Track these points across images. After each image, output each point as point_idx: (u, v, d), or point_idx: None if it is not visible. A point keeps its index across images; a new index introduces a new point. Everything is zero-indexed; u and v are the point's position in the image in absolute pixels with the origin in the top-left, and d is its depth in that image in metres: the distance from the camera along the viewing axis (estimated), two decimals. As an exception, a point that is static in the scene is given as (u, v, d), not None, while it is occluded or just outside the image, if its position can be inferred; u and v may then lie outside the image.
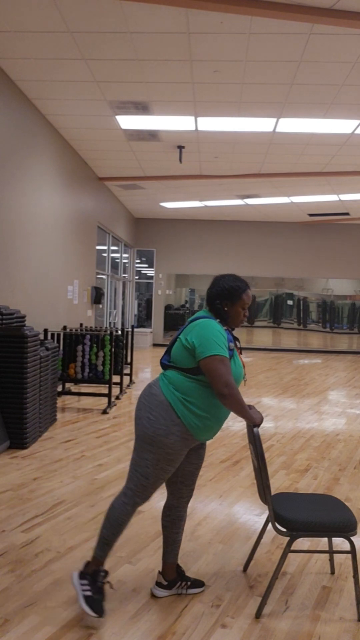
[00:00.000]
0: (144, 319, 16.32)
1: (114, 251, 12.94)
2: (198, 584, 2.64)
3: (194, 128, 7.59)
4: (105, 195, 11.35)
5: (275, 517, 2.47)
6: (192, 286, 15.84)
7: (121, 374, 7.65)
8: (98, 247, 10.97)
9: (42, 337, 7.63)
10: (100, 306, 11.72)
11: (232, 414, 6.68)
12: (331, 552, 2.55)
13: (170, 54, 5.42)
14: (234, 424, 6.28)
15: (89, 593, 2.36)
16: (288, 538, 2.65)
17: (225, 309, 2.42)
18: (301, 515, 2.44)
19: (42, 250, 7.42)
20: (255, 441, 2.44)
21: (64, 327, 7.52)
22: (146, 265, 16.20)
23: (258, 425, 2.41)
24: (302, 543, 3.22)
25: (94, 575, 2.42)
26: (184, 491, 2.57)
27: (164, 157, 9.09)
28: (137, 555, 2.99)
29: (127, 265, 15.37)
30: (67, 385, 8.05)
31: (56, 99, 6.73)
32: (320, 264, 15.46)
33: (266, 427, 6.17)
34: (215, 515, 3.57)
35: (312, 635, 2.33)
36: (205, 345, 2.25)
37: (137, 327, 16.12)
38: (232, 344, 2.35)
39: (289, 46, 5.16)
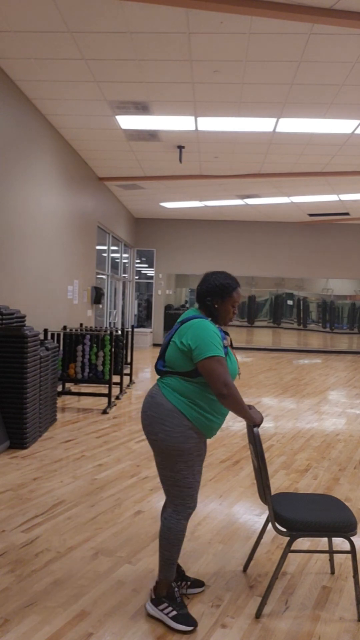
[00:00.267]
0: (143, 319, 16.31)
1: (114, 251, 12.93)
2: (198, 584, 2.65)
3: (194, 128, 7.59)
4: (105, 195, 11.35)
5: (275, 517, 2.47)
6: (192, 286, 15.83)
7: (121, 374, 7.65)
8: (98, 247, 10.97)
9: (42, 337, 7.64)
10: (100, 306, 11.72)
11: (232, 414, 6.68)
12: (331, 552, 2.54)
13: (170, 54, 5.42)
14: (234, 424, 6.28)
15: (174, 613, 2.37)
16: (288, 538, 2.66)
17: (216, 306, 2.41)
18: (301, 515, 2.44)
19: (42, 250, 7.42)
20: (255, 441, 2.44)
21: (64, 327, 7.52)
22: (146, 265, 16.20)
23: (258, 425, 2.42)
24: (302, 543, 3.22)
25: (169, 596, 2.42)
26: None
27: (164, 157, 9.09)
28: (137, 555, 2.99)
29: (127, 265, 15.37)
30: (67, 385, 8.05)
31: (56, 99, 6.73)
32: (320, 264, 15.46)
33: (266, 427, 6.17)
34: (215, 515, 3.57)
35: (312, 635, 2.33)
36: (202, 346, 2.25)
37: (137, 327, 16.12)
38: (225, 342, 2.35)
39: (289, 46, 5.16)
